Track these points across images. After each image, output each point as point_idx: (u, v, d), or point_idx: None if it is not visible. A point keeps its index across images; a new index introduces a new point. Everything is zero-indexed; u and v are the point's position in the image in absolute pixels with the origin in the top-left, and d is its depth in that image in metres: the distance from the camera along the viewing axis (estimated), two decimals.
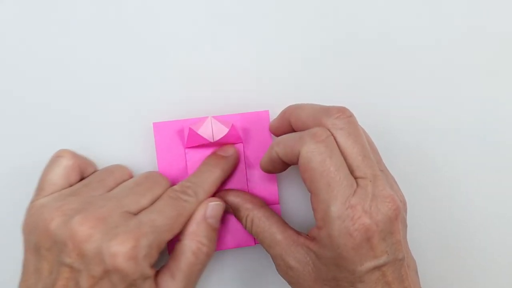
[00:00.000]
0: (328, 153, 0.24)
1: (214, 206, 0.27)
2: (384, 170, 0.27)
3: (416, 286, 0.26)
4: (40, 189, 0.26)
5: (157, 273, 0.25)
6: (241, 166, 0.30)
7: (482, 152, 0.33)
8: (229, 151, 0.29)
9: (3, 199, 0.29)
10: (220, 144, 0.29)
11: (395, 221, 0.24)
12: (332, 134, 0.24)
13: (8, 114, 0.30)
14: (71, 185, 0.27)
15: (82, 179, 0.28)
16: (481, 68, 0.33)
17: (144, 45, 0.31)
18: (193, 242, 0.26)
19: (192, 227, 0.26)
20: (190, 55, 0.31)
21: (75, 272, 0.23)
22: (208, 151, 0.29)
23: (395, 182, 0.28)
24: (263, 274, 0.32)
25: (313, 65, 0.32)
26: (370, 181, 0.24)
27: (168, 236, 0.25)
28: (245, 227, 0.28)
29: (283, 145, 0.26)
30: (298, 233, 0.26)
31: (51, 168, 0.27)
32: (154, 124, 0.29)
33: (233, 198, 0.28)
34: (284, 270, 0.26)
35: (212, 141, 0.28)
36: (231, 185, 0.30)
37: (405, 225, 0.26)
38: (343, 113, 0.25)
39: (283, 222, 0.27)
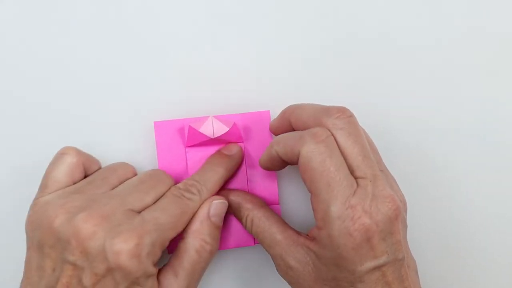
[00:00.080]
0: (328, 153, 0.24)
1: (217, 204, 0.27)
2: (384, 170, 0.27)
3: (416, 286, 0.26)
4: (44, 186, 0.26)
5: (160, 271, 0.25)
6: (242, 166, 0.30)
7: (482, 152, 0.33)
8: (233, 149, 0.29)
9: (3, 199, 0.29)
10: (221, 141, 0.29)
11: (395, 221, 0.24)
12: (332, 134, 0.24)
13: (8, 114, 0.30)
14: (75, 183, 0.27)
15: (86, 176, 0.28)
16: (481, 68, 0.33)
17: (144, 45, 0.31)
18: (197, 240, 0.26)
19: (196, 225, 0.26)
20: (190, 55, 0.31)
21: (78, 269, 0.23)
22: (208, 150, 0.29)
23: (395, 182, 0.28)
24: (263, 274, 0.32)
25: (313, 65, 0.32)
26: (370, 181, 0.24)
27: (172, 234, 0.25)
28: (245, 227, 0.28)
29: (283, 144, 0.26)
30: (298, 233, 0.26)
31: (55, 165, 0.27)
32: (155, 123, 0.29)
33: (233, 198, 0.28)
34: (284, 270, 0.26)
35: (212, 137, 0.28)
36: (231, 184, 0.30)
37: (405, 225, 0.26)
38: (343, 113, 0.25)
39: (283, 222, 0.27)
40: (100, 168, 0.29)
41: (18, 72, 0.30)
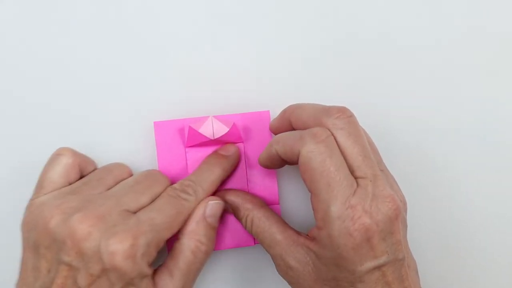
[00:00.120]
0: (328, 153, 0.24)
1: (213, 205, 0.27)
2: (384, 170, 0.27)
3: (416, 286, 0.26)
4: (39, 187, 0.26)
5: (155, 272, 0.25)
6: (242, 166, 0.30)
7: (482, 152, 0.33)
8: (230, 150, 0.29)
9: (3, 199, 0.29)
10: (220, 142, 0.29)
11: (395, 221, 0.24)
12: (333, 134, 0.24)
13: (8, 114, 0.30)
14: (70, 183, 0.27)
15: (82, 177, 0.28)
16: (481, 68, 0.33)
17: (144, 45, 0.31)
18: (192, 241, 0.26)
19: (192, 226, 0.26)
20: (190, 55, 0.31)
21: (74, 270, 0.23)
22: (208, 150, 0.29)
23: (395, 182, 0.28)
24: (263, 274, 0.32)
25: (313, 65, 0.32)
26: (371, 181, 0.24)
27: (167, 234, 0.25)
28: (245, 227, 0.28)
29: (283, 143, 0.26)
30: (298, 233, 0.26)
31: (51, 166, 0.27)
32: (155, 123, 0.29)
33: (233, 198, 0.28)
34: (284, 270, 0.26)
35: (212, 138, 0.28)
36: (231, 185, 0.30)
37: (405, 225, 0.26)
38: (343, 113, 0.25)
39: (283, 222, 0.27)
40: (96, 168, 0.29)
41: (18, 72, 0.30)
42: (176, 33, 0.31)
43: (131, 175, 0.28)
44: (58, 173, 0.26)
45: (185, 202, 0.26)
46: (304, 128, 0.25)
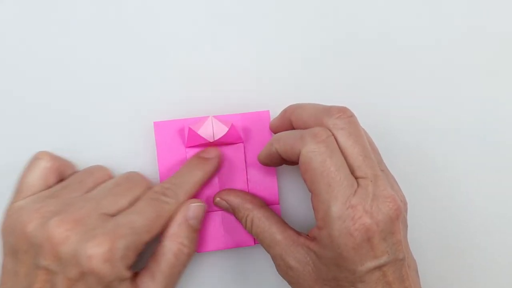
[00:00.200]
0: (328, 153, 0.24)
1: (195, 207, 0.27)
2: (384, 170, 0.27)
3: (417, 286, 0.26)
4: (18, 191, 0.26)
5: (137, 275, 0.26)
6: (242, 166, 0.30)
7: (482, 152, 0.33)
8: (211, 153, 0.29)
9: (3, 199, 0.29)
10: (220, 143, 0.29)
11: (396, 221, 0.24)
12: (333, 134, 0.24)
13: (8, 114, 0.30)
14: (49, 187, 0.27)
15: (62, 181, 0.27)
16: (481, 68, 0.33)
17: (144, 45, 0.31)
18: (174, 243, 0.26)
19: (173, 229, 0.26)
20: (190, 55, 0.31)
21: (51, 274, 0.23)
22: None
23: (396, 182, 0.28)
24: (263, 274, 0.32)
25: (313, 65, 0.32)
26: (371, 181, 0.24)
27: (147, 237, 0.25)
28: (245, 227, 0.28)
29: (283, 142, 0.26)
30: (298, 233, 0.26)
31: (30, 170, 0.27)
32: (155, 123, 0.29)
33: (233, 198, 0.28)
34: (284, 270, 0.26)
35: (212, 140, 0.28)
36: (231, 185, 0.30)
37: (405, 225, 0.26)
38: (344, 113, 0.25)
39: (283, 222, 0.27)
40: (76, 172, 0.29)
41: (18, 72, 0.30)
42: (176, 33, 0.31)
43: (111, 177, 0.28)
44: (36, 177, 0.26)
45: (165, 205, 0.26)
46: (305, 128, 0.25)
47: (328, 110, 0.25)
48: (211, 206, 0.30)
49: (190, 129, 0.28)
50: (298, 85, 0.32)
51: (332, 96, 0.32)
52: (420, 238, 0.33)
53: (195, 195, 0.29)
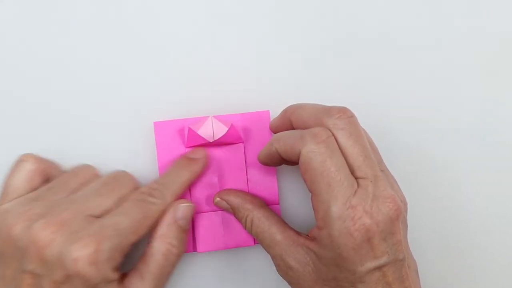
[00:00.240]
0: (328, 153, 0.24)
1: (184, 208, 0.27)
2: (384, 170, 0.27)
3: (417, 286, 0.26)
4: (4, 194, 0.26)
5: (126, 276, 0.26)
6: (242, 166, 0.30)
7: (482, 152, 0.33)
8: (198, 154, 0.29)
9: None
10: (220, 143, 0.29)
11: (396, 221, 0.24)
12: (333, 134, 0.24)
13: (8, 114, 0.30)
14: (35, 189, 0.26)
15: (47, 182, 0.27)
16: (481, 68, 0.33)
17: (144, 45, 0.31)
18: (163, 244, 0.26)
19: (162, 229, 0.26)
20: (190, 55, 0.31)
21: (38, 278, 0.23)
22: (208, 150, 0.29)
23: (396, 182, 0.28)
24: (263, 274, 0.32)
25: (313, 65, 0.32)
26: (371, 181, 0.24)
27: (133, 238, 0.25)
28: (245, 228, 0.28)
29: (283, 142, 0.26)
30: (298, 233, 0.26)
31: (14, 173, 0.27)
32: (155, 123, 0.29)
33: (233, 198, 0.28)
34: (284, 270, 0.26)
35: (211, 141, 0.28)
36: (231, 185, 0.30)
37: (405, 225, 0.26)
38: (344, 113, 0.25)
39: (283, 223, 0.27)
40: (61, 173, 0.28)
41: (18, 72, 0.30)
42: (176, 33, 0.31)
43: (98, 176, 0.28)
44: (21, 180, 0.26)
45: (152, 206, 0.26)
46: (305, 128, 0.25)
47: (328, 110, 0.25)
48: (211, 206, 0.30)
49: (190, 129, 0.28)
50: (298, 85, 0.32)
51: (332, 96, 0.32)
52: (420, 238, 0.33)
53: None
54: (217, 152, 0.30)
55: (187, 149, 0.29)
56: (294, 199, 0.32)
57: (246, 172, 0.30)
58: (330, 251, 0.24)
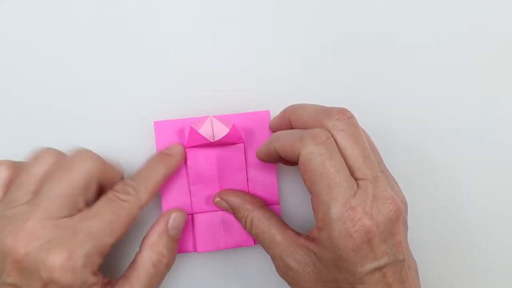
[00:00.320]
0: (328, 154, 0.24)
1: (176, 217, 0.27)
2: (384, 171, 0.27)
3: (417, 287, 0.26)
4: None
5: (115, 284, 0.26)
6: (242, 166, 0.30)
7: (482, 152, 0.33)
8: (174, 149, 0.29)
9: None
10: (221, 143, 0.29)
11: (396, 222, 0.24)
12: (333, 136, 0.24)
13: (8, 114, 0.30)
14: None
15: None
16: (481, 68, 0.33)
17: (144, 45, 0.31)
18: (154, 253, 0.26)
19: (153, 238, 0.27)
20: (190, 55, 0.31)
21: None
22: (208, 150, 0.29)
23: (396, 183, 0.28)
24: (263, 274, 0.32)
25: (313, 65, 0.32)
26: (371, 182, 0.24)
27: (110, 240, 0.25)
28: (245, 228, 0.28)
29: (283, 142, 0.26)
30: (298, 234, 0.26)
31: None
32: (155, 122, 0.29)
33: (233, 199, 0.28)
34: (284, 271, 0.26)
35: (212, 141, 0.28)
36: (231, 185, 0.30)
37: (406, 226, 0.26)
38: (343, 114, 0.25)
39: (283, 223, 0.27)
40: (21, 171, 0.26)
41: (18, 72, 0.30)
42: (176, 33, 0.31)
43: (53, 161, 0.26)
44: None
45: (124, 204, 0.26)
46: (305, 129, 0.25)
47: (328, 111, 0.25)
48: (211, 206, 0.30)
49: (191, 128, 0.28)
50: (298, 85, 0.32)
51: (332, 96, 0.32)
52: (420, 238, 0.33)
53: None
54: (217, 152, 0.30)
55: (187, 149, 0.29)
56: (294, 199, 0.32)
57: (246, 172, 0.30)
58: (330, 252, 0.24)
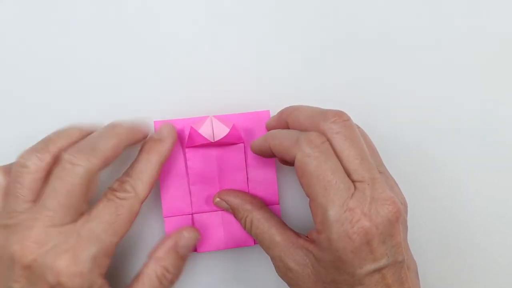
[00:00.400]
0: (323, 157, 0.24)
1: (188, 237, 0.27)
2: (384, 172, 0.27)
3: (416, 287, 0.26)
4: None
5: None
6: (242, 166, 0.30)
7: (482, 152, 0.33)
8: (163, 132, 0.28)
9: None
10: (221, 143, 0.29)
11: (395, 223, 0.24)
12: (329, 138, 0.24)
13: (8, 114, 0.30)
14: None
15: None
16: (481, 68, 0.33)
17: (144, 45, 0.31)
18: (159, 267, 0.26)
19: (160, 253, 0.27)
20: (190, 55, 0.31)
21: None
22: (208, 150, 0.29)
23: (396, 184, 0.28)
24: (263, 274, 0.32)
25: (313, 65, 0.32)
26: (368, 184, 0.24)
27: (114, 239, 0.25)
28: (245, 228, 0.28)
29: (279, 142, 0.26)
30: (298, 234, 0.26)
31: None
32: (155, 122, 0.29)
33: (233, 199, 0.28)
34: (283, 271, 0.26)
35: (212, 141, 0.28)
36: (231, 185, 0.30)
37: (405, 227, 0.26)
38: (339, 117, 0.25)
39: (283, 224, 0.27)
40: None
41: (18, 72, 0.30)
42: (176, 33, 0.31)
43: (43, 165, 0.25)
44: None
45: (123, 202, 0.25)
46: (301, 130, 0.25)
47: (324, 114, 0.25)
48: (211, 206, 0.30)
49: (191, 128, 0.28)
50: (298, 85, 0.32)
51: (332, 96, 0.32)
52: (420, 238, 0.33)
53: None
54: (217, 152, 0.30)
55: (187, 149, 0.29)
56: (294, 199, 0.32)
57: (246, 172, 0.30)
58: (329, 254, 0.24)
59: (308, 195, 0.24)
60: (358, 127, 0.28)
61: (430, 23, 0.33)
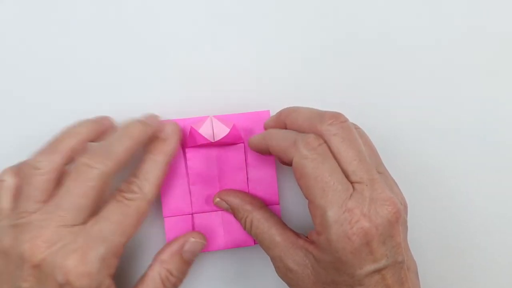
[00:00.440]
0: (320, 159, 0.24)
1: (194, 242, 0.28)
2: (383, 172, 0.27)
3: None
4: None
5: None
6: (242, 166, 0.30)
7: (482, 152, 0.33)
8: (168, 131, 0.28)
9: None
10: (221, 143, 0.29)
11: (395, 224, 0.24)
12: (327, 140, 0.24)
13: (8, 114, 0.30)
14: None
15: None
16: (481, 68, 0.33)
17: (144, 45, 0.31)
18: (163, 270, 0.27)
19: (165, 256, 0.27)
20: (190, 55, 0.31)
21: None
22: (208, 150, 0.29)
23: (396, 184, 0.28)
24: (263, 274, 0.32)
25: (313, 65, 0.32)
26: (367, 185, 0.24)
27: (123, 240, 0.25)
28: (245, 228, 0.28)
29: (276, 143, 0.26)
30: (298, 235, 0.26)
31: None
32: None
33: (233, 199, 0.29)
34: (283, 272, 0.26)
35: (212, 141, 0.28)
36: (231, 185, 0.30)
37: (405, 227, 0.26)
38: (337, 119, 0.25)
39: (283, 224, 0.27)
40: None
41: (18, 72, 0.30)
42: (176, 33, 0.31)
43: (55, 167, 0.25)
44: (5, 200, 0.25)
45: (131, 203, 0.26)
46: (299, 132, 0.25)
47: (322, 116, 0.25)
48: (211, 206, 0.30)
49: (192, 128, 0.28)
50: (298, 85, 0.32)
51: (332, 96, 0.32)
52: (420, 238, 0.33)
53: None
54: (217, 152, 0.30)
55: (187, 149, 0.29)
56: (294, 199, 0.32)
57: (246, 172, 0.30)
58: (328, 255, 0.24)
59: (306, 197, 0.24)
60: (358, 127, 0.28)
61: (430, 23, 0.33)
